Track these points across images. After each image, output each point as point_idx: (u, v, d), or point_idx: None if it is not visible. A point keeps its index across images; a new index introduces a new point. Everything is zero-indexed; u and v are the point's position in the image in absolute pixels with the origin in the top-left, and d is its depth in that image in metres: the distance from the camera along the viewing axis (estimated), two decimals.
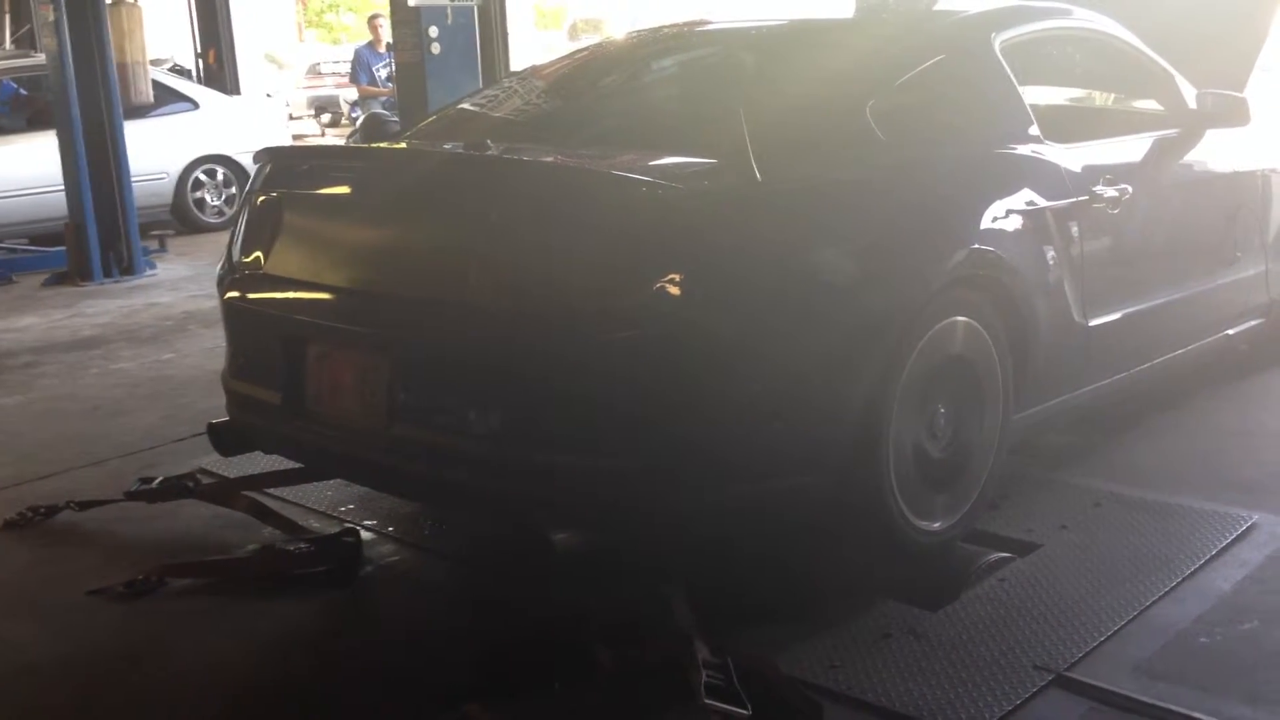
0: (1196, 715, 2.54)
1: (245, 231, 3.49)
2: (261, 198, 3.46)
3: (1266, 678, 2.69)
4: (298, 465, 3.73)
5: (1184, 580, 3.16)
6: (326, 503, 3.97)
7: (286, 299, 3.32)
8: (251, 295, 3.42)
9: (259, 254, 3.41)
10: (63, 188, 8.78)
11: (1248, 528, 3.44)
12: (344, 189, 3.33)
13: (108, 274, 8.78)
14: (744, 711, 2.46)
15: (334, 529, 3.66)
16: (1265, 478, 3.86)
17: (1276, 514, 3.54)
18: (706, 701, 2.46)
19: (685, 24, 4.43)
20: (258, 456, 3.96)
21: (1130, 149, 4.15)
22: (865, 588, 3.16)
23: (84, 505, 3.94)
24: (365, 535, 3.65)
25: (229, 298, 3.51)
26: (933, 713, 2.59)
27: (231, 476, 4.10)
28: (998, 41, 3.75)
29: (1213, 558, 3.28)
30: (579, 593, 3.16)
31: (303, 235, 3.40)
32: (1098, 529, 3.49)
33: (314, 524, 3.78)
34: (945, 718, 2.57)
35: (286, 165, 3.52)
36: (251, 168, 3.68)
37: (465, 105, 4.19)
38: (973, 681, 2.71)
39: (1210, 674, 2.71)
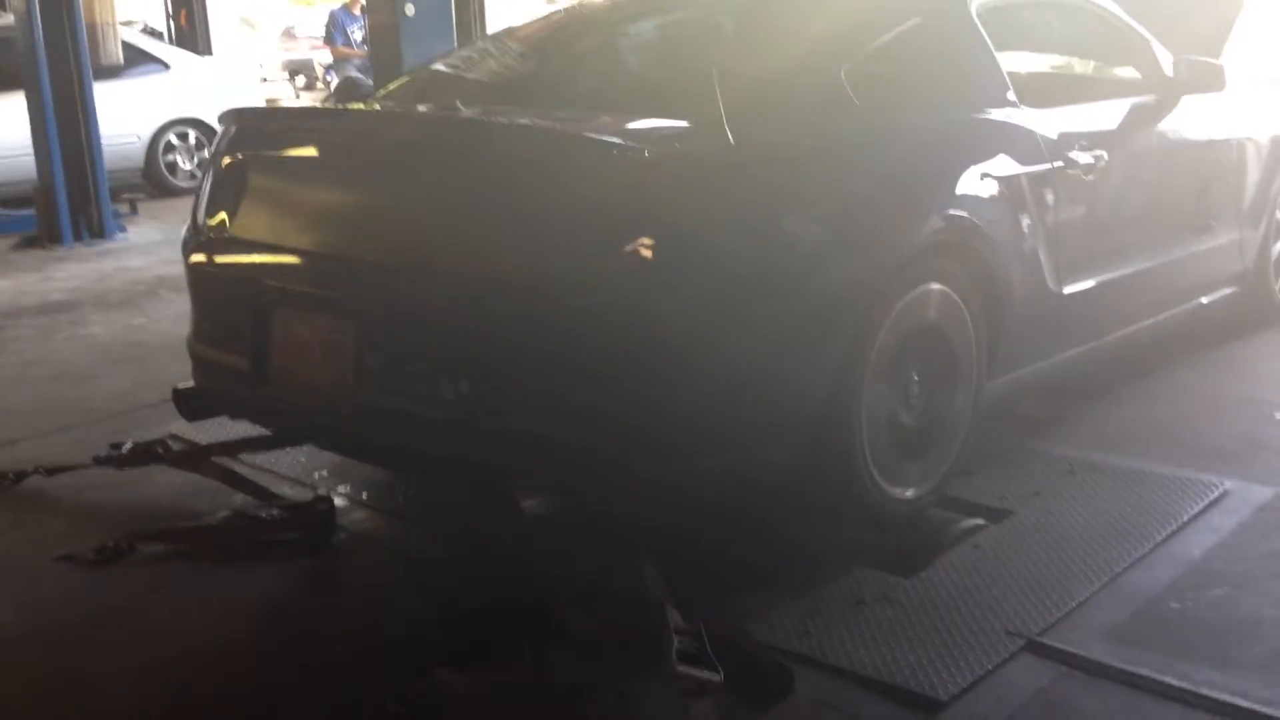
0: (1166, 680, 2.56)
1: (210, 194, 3.44)
2: (226, 160, 3.41)
3: (1236, 643, 2.70)
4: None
5: (1156, 547, 3.17)
6: (299, 469, 3.94)
7: (252, 263, 3.28)
8: (217, 259, 3.38)
9: (224, 217, 3.36)
10: (32, 150, 8.68)
11: (1220, 495, 3.46)
12: (310, 151, 3.28)
13: (78, 238, 8.71)
14: (715, 677, 2.45)
15: (307, 496, 3.63)
16: (1237, 445, 3.87)
17: (1248, 481, 3.56)
18: (678, 668, 2.45)
19: None
20: (230, 422, 3.93)
21: (1106, 115, 4.13)
22: (838, 554, 3.16)
23: (52, 471, 3.90)
24: (338, 502, 3.62)
25: (194, 262, 3.46)
26: (905, 678, 2.59)
27: (202, 442, 4.07)
28: (974, 5, 3.72)
29: (1185, 524, 3.29)
30: (550, 560, 3.15)
31: (268, 198, 3.35)
32: (1071, 496, 3.50)
33: (286, 490, 3.76)
34: (917, 683, 2.57)
35: (251, 127, 3.47)
36: None
37: (438, 67, 4.13)
38: (945, 647, 2.71)
39: (1180, 640, 2.73)
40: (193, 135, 11.25)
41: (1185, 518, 3.32)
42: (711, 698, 2.40)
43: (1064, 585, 2.97)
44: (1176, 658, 2.64)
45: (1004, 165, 3.51)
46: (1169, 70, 4.40)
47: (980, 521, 3.34)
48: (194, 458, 3.88)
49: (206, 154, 10.85)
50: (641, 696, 2.59)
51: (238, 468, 3.83)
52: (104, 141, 8.95)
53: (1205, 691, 2.51)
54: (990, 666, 2.63)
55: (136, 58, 11.01)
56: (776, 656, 2.65)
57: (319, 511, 3.50)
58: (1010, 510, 3.41)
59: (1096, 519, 3.33)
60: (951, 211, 3.30)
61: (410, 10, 7.00)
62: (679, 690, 2.42)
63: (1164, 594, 2.94)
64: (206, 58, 12.79)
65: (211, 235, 3.40)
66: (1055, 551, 3.15)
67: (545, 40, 4.15)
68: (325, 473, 3.90)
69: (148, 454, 3.83)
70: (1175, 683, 2.54)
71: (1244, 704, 2.46)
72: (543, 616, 2.86)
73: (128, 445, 3.89)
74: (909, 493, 3.29)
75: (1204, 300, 4.65)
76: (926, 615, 2.85)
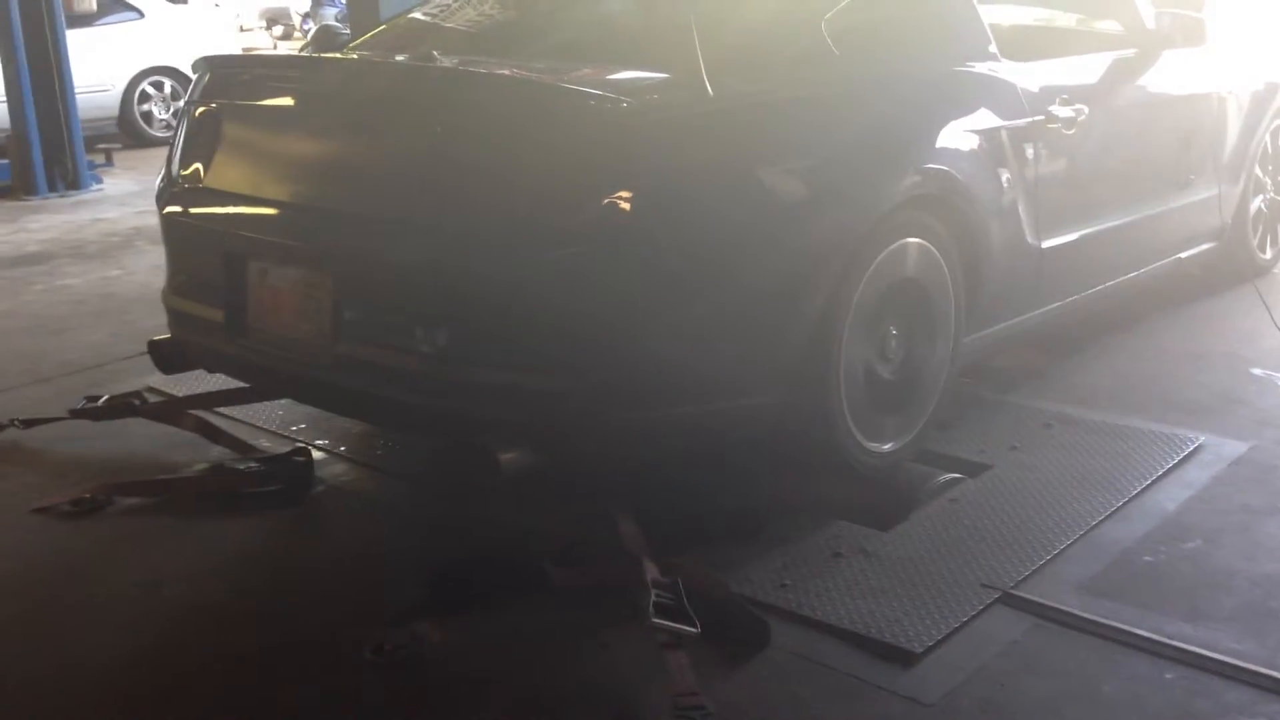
0: (1137, 632, 2.58)
1: (184, 144, 3.41)
2: (200, 109, 3.37)
3: (1207, 595, 2.73)
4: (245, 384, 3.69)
5: (1130, 500, 3.19)
6: (277, 422, 3.93)
7: (227, 214, 3.25)
8: (191, 210, 3.35)
9: (198, 167, 3.33)
10: (4, 100, 8.58)
11: (1194, 449, 3.48)
12: (285, 100, 3.23)
13: (53, 189, 8.63)
14: (692, 630, 2.46)
15: (285, 448, 3.63)
16: (1212, 400, 3.90)
17: (1223, 435, 3.59)
18: (654, 620, 2.46)
19: None
20: (207, 374, 3.91)
21: (1087, 69, 4.12)
22: (816, 508, 3.17)
23: (29, 423, 3.88)
24: (316, 454, 3.62)
25: (168, 212, 3.43)
26: (880, 630, 2.61)
27: (179, 395, 4.05)
28: None
29: (1159, 478, 3.32)
30: (527, 512, 3.16)
31: (243, 148, 3.32)
32: (1047, 450, 3.52)
33: (264, 443, 3.75)
34: (893, 634, 2.59)
35: (226, 75, 3.42)
36: None
37: (415, 16, 4.08)
38: (921, 599, 2.73)
39: (1152, 592, 2.75)
40: (168, 84, 11.13)
41: (1160, 471, 3.35)
42: (688, 650, 2.41)
43: (1039, 538, 2.99)
44: (1148, 610, 2.67)
45: (984, 119, 3.50)
46: (1150, 24, 4.39)
47: (957, 475, 3.36)
48: (170, 410, 3.86)
49: (182, 103, 10.74)
50: (619, 648, 2.60)
51: (215, 420, 3.81)
52: (78, 91, 8.85)
53: (1176, 643, 2.53)
54: (964, 619, 2.65)
55: (111, 5, 10.87)
56: (753, 609, 2.66)
57: (297, 464, 3.49)
58: (987, 464, 3.43)
59: (1072, 473, 3.35)
60: (931, 165, 3.29)
61: None
62: (655, 642, 2.43)
63: (1137, 547, 2.96)
64: (181, 5, 12.62)
65: (186, 186, 3.36)
66: (1031, 505, 3.17)
67: None
68: (303, 425, 3.89)
69: (124, 407, 3.81)
70: (1147, 634, 2.57)
71: (1214, 655, 2.49)
72: (520, 568, 2.86)
73: (104, 398, 3.87)
74: (886, 446, 3.30)
75: (1182, 256, 4.66)
76: (902, 568, 2.87)
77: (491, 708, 2.44)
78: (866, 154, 3.15)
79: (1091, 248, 4.01)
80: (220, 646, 2.70)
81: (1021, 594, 2.75)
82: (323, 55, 3.93)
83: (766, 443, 3.17)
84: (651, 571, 2.63)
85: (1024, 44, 3.99)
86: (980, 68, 3.61)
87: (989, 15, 3.77)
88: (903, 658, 2.53)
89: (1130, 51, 4.32)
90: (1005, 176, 3.54)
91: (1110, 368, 4.25)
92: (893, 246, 3.18)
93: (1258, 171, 5.06)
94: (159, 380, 4.13)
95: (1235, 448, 3.50)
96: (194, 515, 3.33)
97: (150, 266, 6.20)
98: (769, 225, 2.92)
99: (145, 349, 3.60)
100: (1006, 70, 3.66)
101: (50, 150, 8.61)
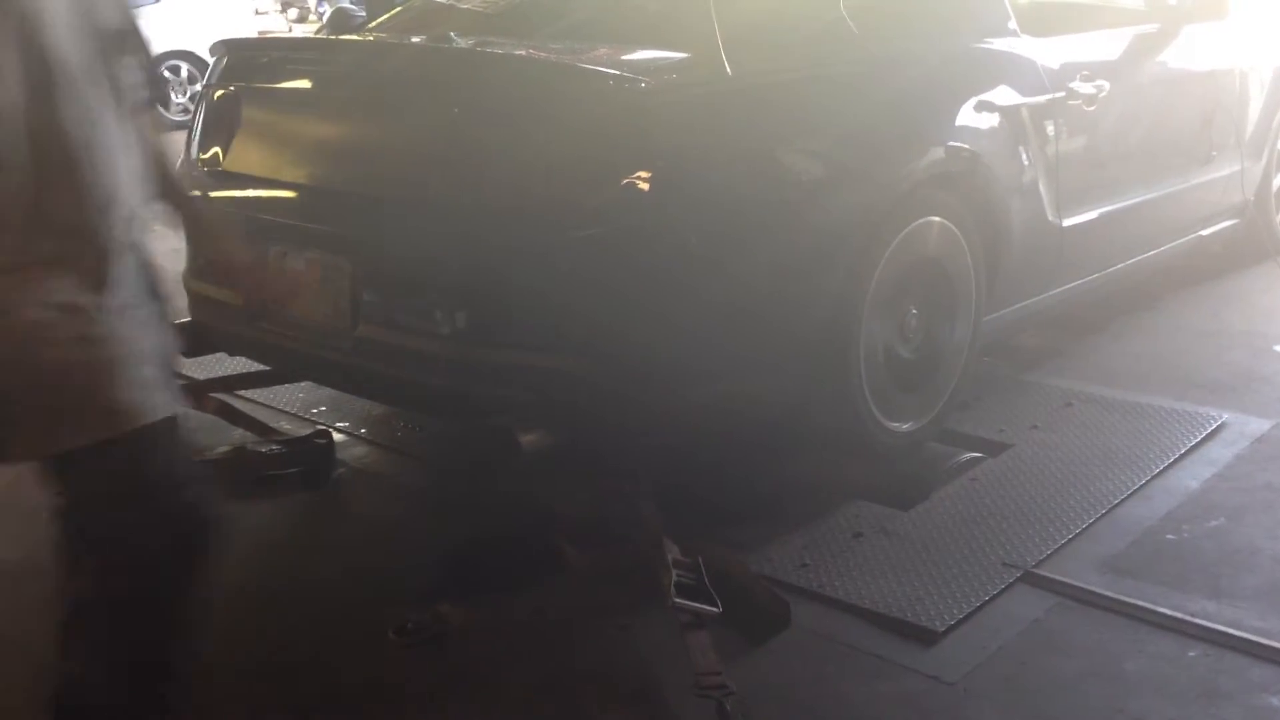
0: (1160, 609, 2.57)
1: (203, 127, 3.41)
2: (219, 92, 3.37)
3: (1230, 573, 2.72)
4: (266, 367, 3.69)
5: (1153, 478, 3.18)
6: (298, 404, 3.94)
7: (246, 197, 3.25)
8: (210, 193, 3.34)
9: (217, 150, 3.33)
10: None
11: (1217, 426, 3.47)
12: (303, 83, 3.23)
13: None
14: (714, 610, 2.46)
15: (306, 431, 3.64)
16: (1235, 378, 3.88)
17: (1246, 413, 3.57)
18: (676, 600, 2.46)
19: None
20: (228, 357, 3.91)
21: (1108, 44, 4.09)
22: (836, 488, 3.17)
23: None
24: (337, 437, 3.63)
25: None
26: (902, 609, 2.61)
27: (200, 378, 4.05)
28: None
29: (1182, 456, 3.30)
30: (548, 494, 3.16)
31: (261, 131, 3.32)
32: (1069, 429, 3.51)
33: (285, 426, 3.76)
34: (914, 614, 2.59)
35: (244, 58, 3.42)
36: None
37: None
38: (942, 578, 2.73)
39: (1175, 570, 2.74)
40: (185, 68, 11.13)
41: (1182, 450, 3.33)
42: (709, 630, 2.42)
43: (1061, 517, 2.98)
44: (1171, 588, 2.66)
45: (1005, 96, 3.47)
46: None
47: (978, 455, 3.35)
48: (192, 393, 3.86)
49: (199, 87, 10.74)
50: (640, 629, 2.61)
51: (236, 403, 3.82)
52: None
53: (1199, 621, 2.53)
54: (986, 598, 2.65)
55: None
56: (774, 589, 2.67)
57: (318, 446, 3.50)
58: (1008, 443, 3.42)
59: (1094, 451, 3.34)
60: (951, 143, 3.27)
61: None
62: (677, 623, 2.44)
63: (1160, 525, 2.95)
64: None
65: (204, 169, 3.37)
66: (1052, 484, 3.16)
67: None
68: (324, 408, 3.90)
69: None
70: (1170, 613, 2.56)
71: (1237, 633, 2.48)
72: (542, 550, 2.87)
73: None
74: (906, 426, 3.29)
75: (1204, 233, 4.62)
76: (923, 548, 2.87)
77: (513, 688, 2.45)
78: (886, 133, 3.13)
79: (1112, 225, 3.99)
80: (243, 627, 2.72)
81: (1043, 573, 2.75)
82: (339, 38, 3.92)
83: (786, 423, 3.16)
84: (672, 552, 2.63)
85: (1044, 19, 3.96)
86: (1000, 44, 3.59)
87: None
88: (924, 636, 2.53)
89: (1151, 26, 4.28)
90: (1026, 154, 3.52)
91: (1132, 346, 4.23)
92: (913, 225, 3.16)
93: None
94: (180, 363, 4.14)
95: (1258, 425, 3.49)
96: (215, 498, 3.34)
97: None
98: (788, 205, 2.90)
99: None
100: (1026, 46, 3.64)
101: None
